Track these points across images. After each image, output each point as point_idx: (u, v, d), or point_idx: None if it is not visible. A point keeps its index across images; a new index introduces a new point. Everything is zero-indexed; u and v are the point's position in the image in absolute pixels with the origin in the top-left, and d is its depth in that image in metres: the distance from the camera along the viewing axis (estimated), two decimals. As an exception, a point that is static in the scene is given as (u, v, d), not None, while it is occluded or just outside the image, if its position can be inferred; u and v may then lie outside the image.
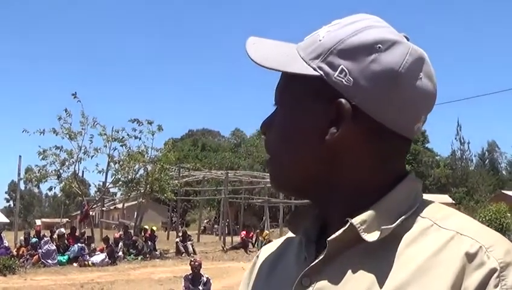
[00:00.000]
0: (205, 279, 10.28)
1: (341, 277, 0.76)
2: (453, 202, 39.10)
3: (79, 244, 17.95)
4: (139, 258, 18.58)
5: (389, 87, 0.77)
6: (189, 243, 20.89)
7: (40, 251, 16.91)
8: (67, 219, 37.75)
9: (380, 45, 0.77)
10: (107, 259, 17.35)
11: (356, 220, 0.76)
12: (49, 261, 16.77)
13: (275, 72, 0.82)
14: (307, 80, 0.80)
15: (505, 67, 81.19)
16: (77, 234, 19.56)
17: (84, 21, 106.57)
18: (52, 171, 21.14)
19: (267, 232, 24.46)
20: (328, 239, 0.77)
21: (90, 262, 17.07)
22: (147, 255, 19.01)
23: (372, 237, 0.75)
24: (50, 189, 23.57)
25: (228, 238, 25.25)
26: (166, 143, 23.70)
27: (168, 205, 35.63)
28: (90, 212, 23.75)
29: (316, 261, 0.78)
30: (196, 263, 10.41)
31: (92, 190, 36.44)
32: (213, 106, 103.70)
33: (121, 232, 20.54)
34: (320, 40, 0.80)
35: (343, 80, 0.77)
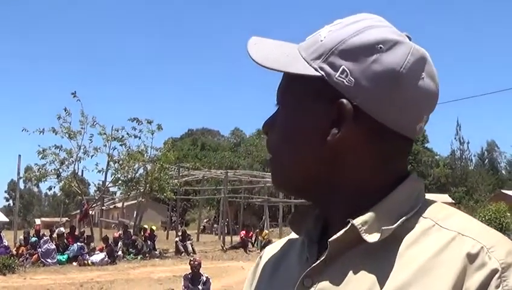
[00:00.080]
0: (204, 278, 10.28)
1: (342, 277, 0.76)
2: (453, 201, 39.13)
3: (78, 243, 17.95)
4: (139, 257, 18.58)
5: (391, 87, 0.77)
6: (188, 242, 20.89)
7: (39, 250, 16.91)
8: (66, 218, 37.72)
9: (381, 45, 0.77)
10: (106, 258, 17.35)
11: (357, 221, 0.76)
12: (49, 260, 16.77)
13: (277, 72, 0.81)
14: (308, 81, 0.79)
15: (504, 67, 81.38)
16: (77, 233, 19.57)
17: (84, 21, 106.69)
18: (51, 171, 21.12)
19: (267, 231, 24.47)
20: (329, 240, 0.77)
21: (89, 261, 17.07)
22: (147, 255, 19.00)
23: (373, 237, 0.75)
24: (49, 188, 23.59)
25: (227, 238, 25.26)
26: (166, 142, 23.63)
27: (167, 204, 35.68)
28: (90, 212, 23.74)
29: (318, 262, 0.79)
30: (195, 263, 10.41)
31: (92, 189, 36.54)
32: (213, 105, 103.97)
33: (120, 232, 20.54)
34: (321, 40, 0.80)
35: (345, 81, 0.77)
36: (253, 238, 24.20)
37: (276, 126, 0.84)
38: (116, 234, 19.79)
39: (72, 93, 20.58)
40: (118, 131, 21.59)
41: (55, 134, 20.66)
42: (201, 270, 10.43)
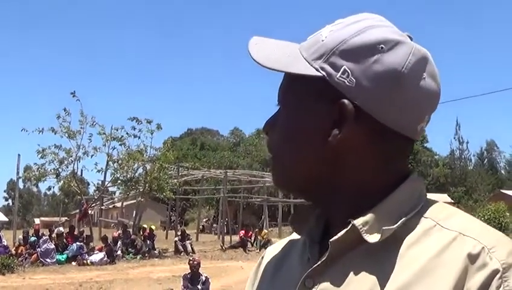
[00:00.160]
0: (204, 278, 10.28)
1: (343, 278, 0.76)
2: (452, 201, 39.15)
3: (78, 243, 17.93)
4: (138, 257, 18.56)
5: (392, 87, 0.77)
6: (188, 242, 20.88)
7: (38, 249, 16.90)
8: (66, 218, 37.77)
9: (382, 45, 0.77)
10: (105, 258, 17.33)
11: (358, 221, 0.76)
12: (48, 260, 16.75)
13: (277, 72, 0.81)
14: (309, 81, 0.79)
15: (504, 67, 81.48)
16: (76, 233, 19.55)
17: (83, 20, 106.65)
18: (51, 170, 21.08)
19: (266, 231, 24.49)
20: (330, 240, 0.77)
21: (88, 261, 17.06)
22: (146, 254, 18.99)
23: (374, 238, 0.75)
24: (49, 188, 23.66)
25: (227, 238, 25.22)
26: (165, 142, 23.59)
27: (167, 204, 35.61)
28: (89, 211, 23.72)
29: (319, 262, 0.78)
30: (195, 262, 10.40)
31: (91, 189, 36.48)
32: (212, 105, 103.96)
33: (119, 231, 20.51)
34: (322, 40, 0.80)
35: (346, 81, 0.77)
36: (253, 238, 24.18)
37: (277, 126, 0.84)
38: (116, 234, 19.77)
39: (71, 93, 20.57)
40: (117, 131, 21.59)
41: (55, 134, 20.65)
42: (200, 270, 10.42)
